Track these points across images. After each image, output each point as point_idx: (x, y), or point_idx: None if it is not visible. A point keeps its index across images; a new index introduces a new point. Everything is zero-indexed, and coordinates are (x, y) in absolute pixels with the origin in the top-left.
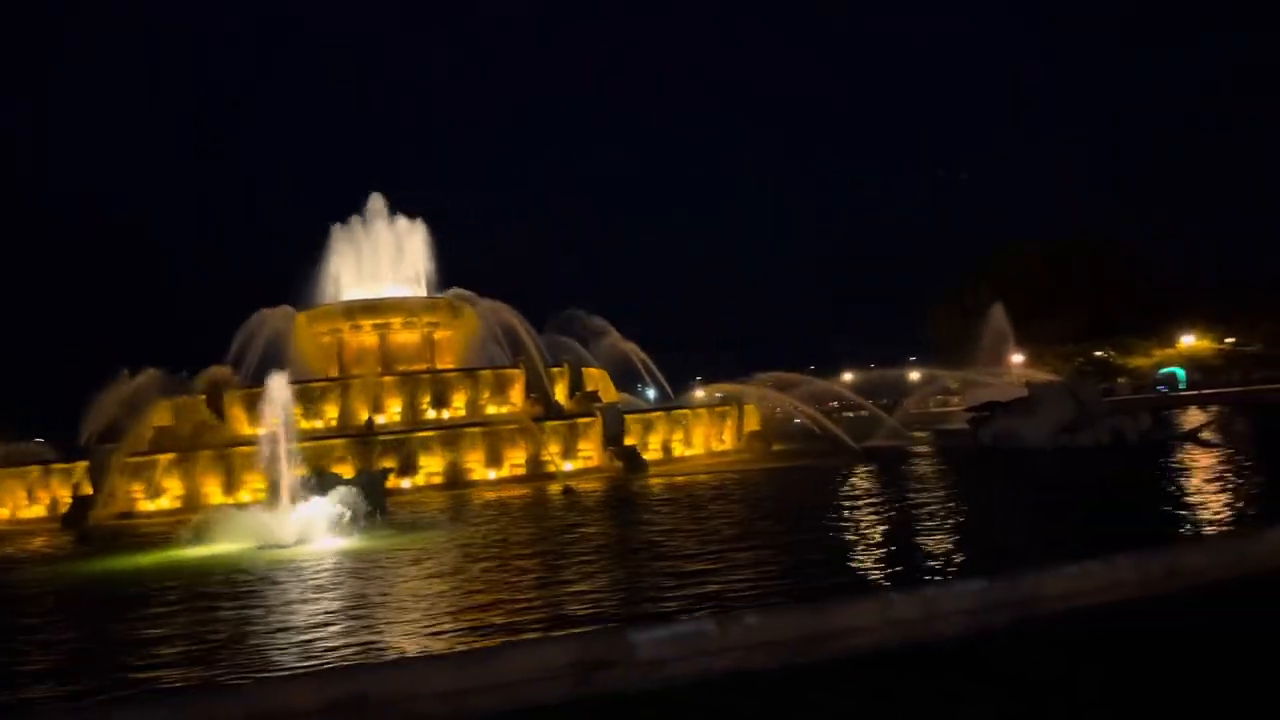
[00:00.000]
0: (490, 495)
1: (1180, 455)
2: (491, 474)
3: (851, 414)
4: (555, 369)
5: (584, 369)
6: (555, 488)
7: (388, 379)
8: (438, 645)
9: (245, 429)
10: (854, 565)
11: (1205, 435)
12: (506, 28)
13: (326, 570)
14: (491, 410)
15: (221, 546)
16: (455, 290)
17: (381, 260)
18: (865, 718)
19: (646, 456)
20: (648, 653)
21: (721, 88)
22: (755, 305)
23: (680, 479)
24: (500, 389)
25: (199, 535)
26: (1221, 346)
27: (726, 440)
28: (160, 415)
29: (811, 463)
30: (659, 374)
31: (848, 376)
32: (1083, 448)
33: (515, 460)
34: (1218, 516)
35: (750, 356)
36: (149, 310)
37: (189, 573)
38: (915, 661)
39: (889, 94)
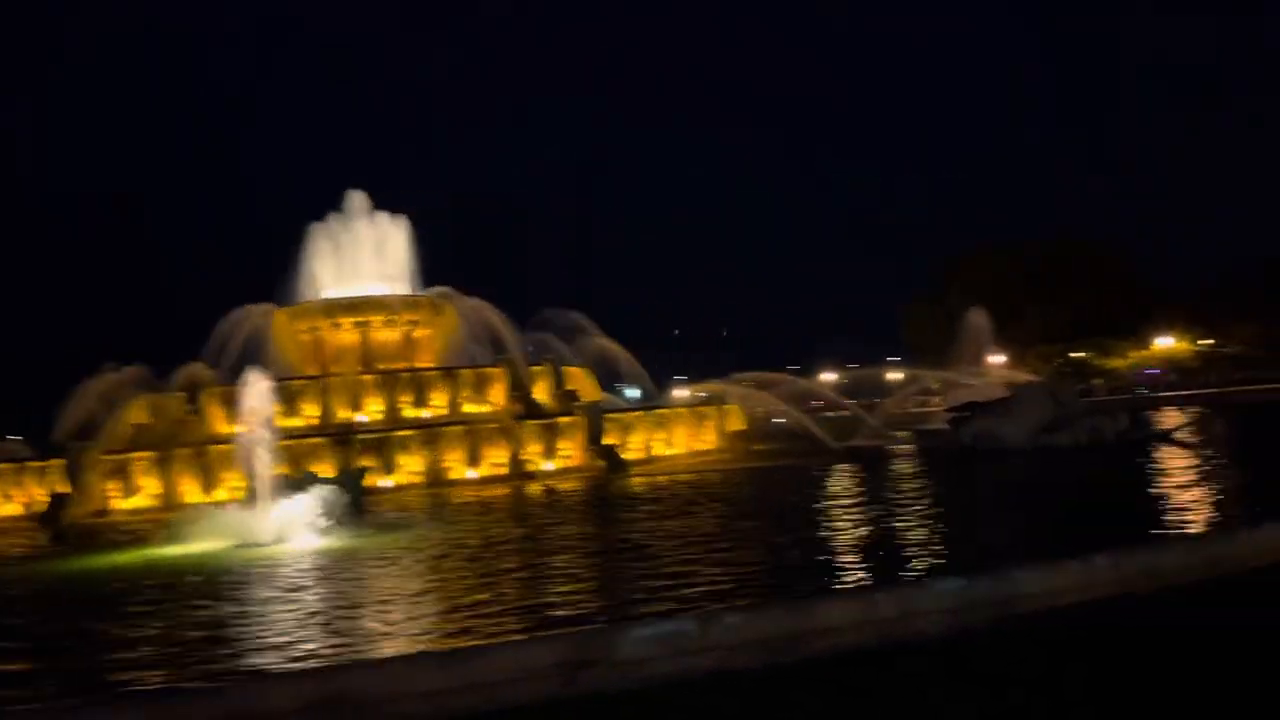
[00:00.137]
0: (470, 495)
1: (1157, 456)
2: (472, 473)
3: (833, 414)
4: (536, 368)
5: (565, 368)
6: (536, 487)
7: (367, 377)
8: (418, 645)
9: (223, 427)
10: (834, 565)
11: (1182, 436)
12: (506, 28)
13: (305, 569)
14: (472, 409)
15: (199, 545)
16: (437, 288)
17: (362, 257)
18: (846, 716)
19: (628, 456)
20: (630, 652)
21: (721, 88)
22: (755, 305)
23: (662, 479)
24: (481, 388)
25: (176, 534)
26: (1198, 348)
27: (708, 440)
28: (137, 413)
29: (792, 462)
30: (644, 373)
31: (829, 376)
32: (1061, 448)
33: (496, 459)
34: (1193, 517)
35: (750, 356)
36: (149, 310)
37: (166, 572)
38: (896, 660)
39: (889, 94)
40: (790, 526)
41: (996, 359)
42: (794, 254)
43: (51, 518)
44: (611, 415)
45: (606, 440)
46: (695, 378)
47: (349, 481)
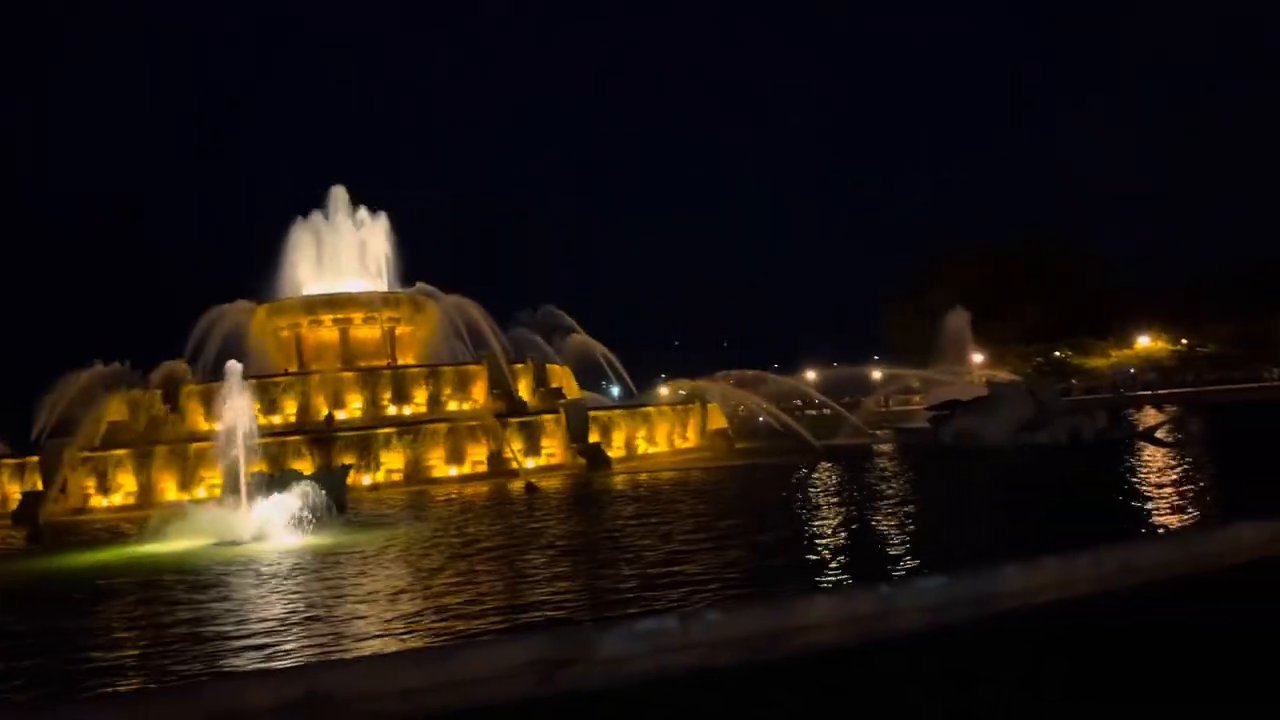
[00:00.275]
0: (452, 492)
1: (1135, 454)
2: (453, 471)
3: (814, 412)
4: (518, 365)
5: (548, 365)
6: (518, 485)
7: (348, 374)
8: (397, 643)
9: (202, 424)
10: (815, 562)
11: (1160, 434)
12: (506, 28)
13: (285, 567)
14: (453, 406)
15: (177, 543)
16: (419, 285)
17: (343, 254)
18: (826, 714)
19: (610, 454)
20: (609, 650)
21: (721, 88)
22: (755, 305)
23: (644, 476)
24: (462, 385)
25: (154, 532)
26: (1177, 348)
27: (690, 438)
28: (115, 410)
29: (774, 460)
30: (624, 371)
31: (811, 374)
32: (1041, 446)
33: (477, 457)
34: (1171, 514)
35: (750, 357)
36: (149, 310)
37: (143, 570)
38: (876, 658)
39: (889, 94)
40: (772, 524)
41: (977, 358)
42: (794, 254)
43: (26, 516)
44: (594, 413)
45: (589, 438)
46: (681, 376)
47: (329, 479)
